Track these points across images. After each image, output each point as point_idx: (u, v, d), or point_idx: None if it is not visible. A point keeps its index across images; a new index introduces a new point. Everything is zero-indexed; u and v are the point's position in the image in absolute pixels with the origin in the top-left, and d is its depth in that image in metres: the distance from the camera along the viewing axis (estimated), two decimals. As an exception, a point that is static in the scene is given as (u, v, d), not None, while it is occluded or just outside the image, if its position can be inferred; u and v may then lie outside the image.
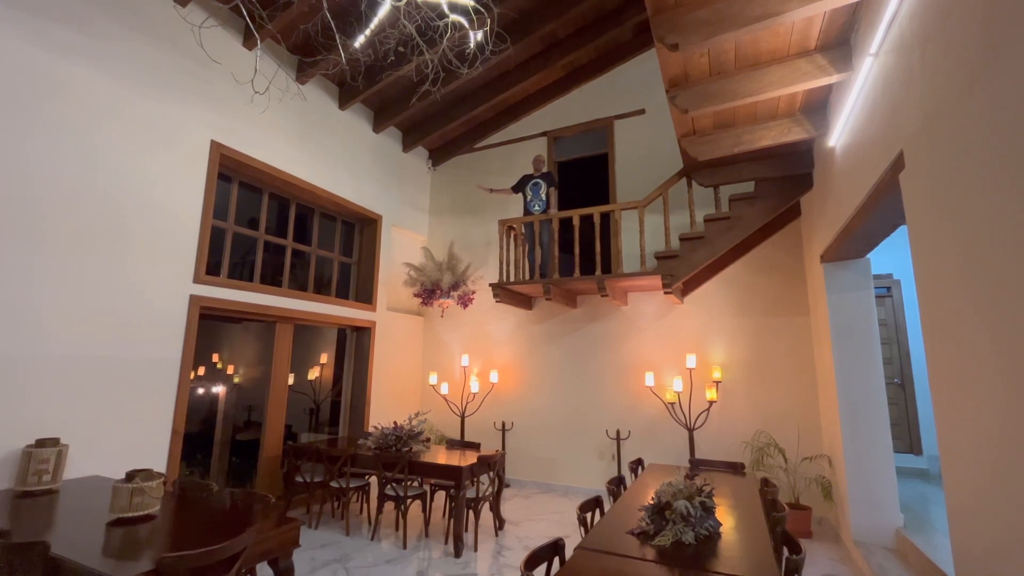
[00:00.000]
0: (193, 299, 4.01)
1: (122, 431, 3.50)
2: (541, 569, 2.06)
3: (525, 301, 6.11)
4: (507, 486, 5.85)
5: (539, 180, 5.78)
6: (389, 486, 4.06)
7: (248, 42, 4.58)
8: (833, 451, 4.25)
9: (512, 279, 5.90)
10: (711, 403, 5.08)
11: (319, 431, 6.26)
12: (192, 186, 4.08)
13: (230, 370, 6.24)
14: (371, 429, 5.55)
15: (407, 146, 6.79)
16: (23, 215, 3.09)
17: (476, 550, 3.88)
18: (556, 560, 2.11)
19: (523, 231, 5.72)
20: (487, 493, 4.21)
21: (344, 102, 5.70)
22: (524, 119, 6.80)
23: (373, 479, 5.38)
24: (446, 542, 4.04)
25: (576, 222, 5.20)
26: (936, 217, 2.06)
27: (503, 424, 6.17)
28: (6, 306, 2.99)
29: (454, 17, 2.72)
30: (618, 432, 5.44)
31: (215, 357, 6.25)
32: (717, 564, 1.94)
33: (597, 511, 2.75)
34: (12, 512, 2.46)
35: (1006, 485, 1.65)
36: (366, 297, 6.09)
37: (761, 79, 3.38)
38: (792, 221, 5.10)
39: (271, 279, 5.12)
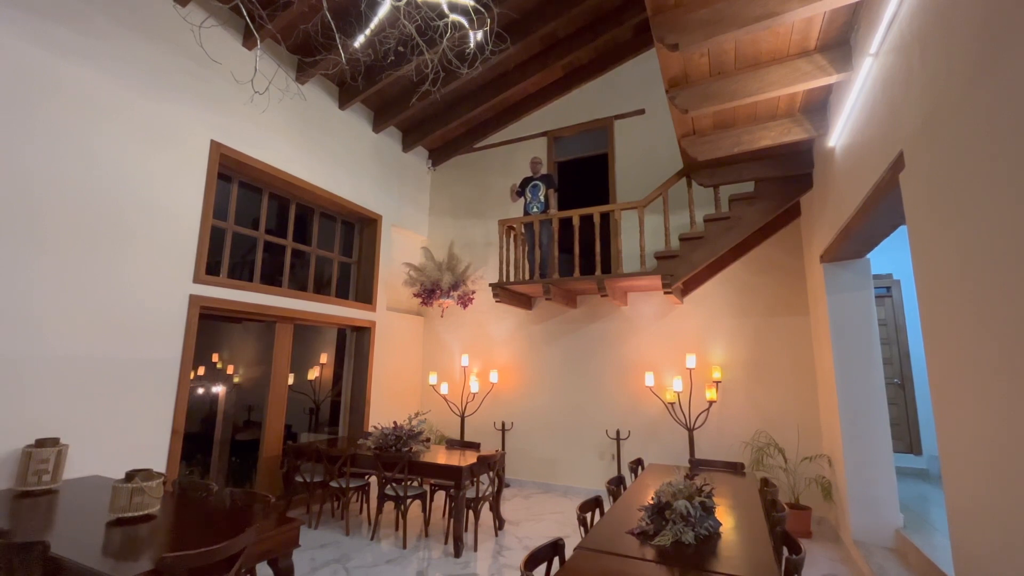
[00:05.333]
0: (193, 299, 4.01)
1: (122, 431, 3.50)
2: (541, 569, 2.06)
3: (525, 301, 6.11)
4: (507, 486, 5.85)
5: (538, 182, 5.78)
6: (389, 486, 4.06)
7: (248, 42, 4.58)
8: (833, 451, 4.25)
9: (512, 279, 5.90)
10: (711, 403, 5.08)
11: (319, 431, 6.26)
12: (192, 186, 4.08)
13: (230, 370, 6.24)
14: (371, 429, 5.54)
15: (407, 146, 6.79)
16: (23, 215, 3.09)
17: (476, 550, 3.88)
18: (556, 560, 2.11)
19: (523, 231, 5.72)
20: (487, 493, 4.21)
21: (344, 102, 5.70)
22: (524, 119, 6.80)
23: (373, 479, 5.38)
24: (446, 542, 4.04)
25: (576, 222, 5.20)
26: (936, 217, 2.06)
27: (503, 424, 6.17)
28: (6, 306, 2.99)
29: (454, 17, 2.72)
30: (618, 432, 5.44)
31: (215, 357, 6.25)
32: (717, 564, 1.94)
33: (597, 511, 2.75)
34: (12, 512, 2.46)
35: (1006, 485, 1.65)
36: (366, 297, 6.09)
37: (761, 79, 3.38)
38: (792, 221, 5.10)
39: (271, 279, 5.12)
